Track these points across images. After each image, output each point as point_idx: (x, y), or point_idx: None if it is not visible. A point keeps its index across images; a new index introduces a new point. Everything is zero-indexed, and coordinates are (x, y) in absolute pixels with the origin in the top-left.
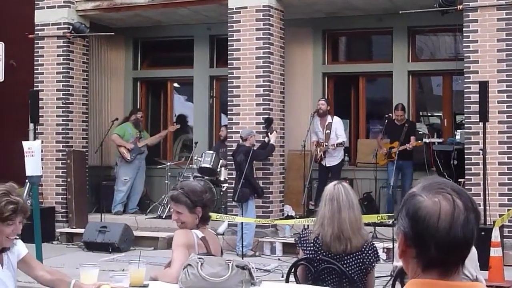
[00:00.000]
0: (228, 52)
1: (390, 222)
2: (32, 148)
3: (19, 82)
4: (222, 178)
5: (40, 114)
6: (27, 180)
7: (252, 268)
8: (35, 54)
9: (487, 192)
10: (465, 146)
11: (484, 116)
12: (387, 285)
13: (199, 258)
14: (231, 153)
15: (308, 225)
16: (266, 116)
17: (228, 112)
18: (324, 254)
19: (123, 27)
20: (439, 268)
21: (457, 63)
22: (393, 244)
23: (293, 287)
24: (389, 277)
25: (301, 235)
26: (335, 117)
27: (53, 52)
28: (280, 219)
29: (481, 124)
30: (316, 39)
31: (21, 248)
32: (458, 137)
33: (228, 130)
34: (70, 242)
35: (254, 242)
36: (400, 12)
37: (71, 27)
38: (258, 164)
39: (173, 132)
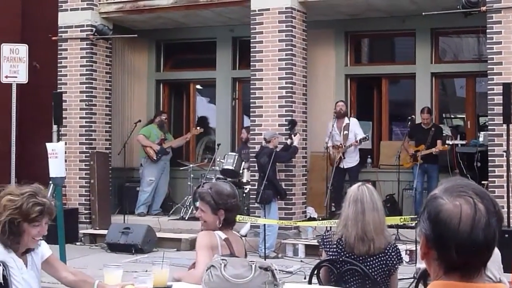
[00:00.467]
0: (251, 54)
1: (413, 224)
2: (55, 150)
3: (43, 84)
4: (244, 180)
5: (63, 115)
6: (50, 182)
7: (275, 269)
8: (58, 56)
9: (510, 194)
10: (489, 148)
11: (507, 118)
12: (410, 287)
13: (222, 259)
14: (254, 154)
15: (330, 227)
16: (289, 118)
17: (251, 113)
18: (347, 255)
19: (146, 29)
20: (461, 270)
21: (481, 64)
22: (416, 246)
23: None
24: (412, 279)
25: (324, 237)
26: (351, 118)
27: (76, 54)
28: (303, 221)
29: (504, 126)
30: (338, 41)
31: (44, 249)
32: (481, 139)
33: (251, 132)
34: (93, 243)
35: (276, 244)
36: (423, 13)
37: (94, 29)
38: (281, 166)
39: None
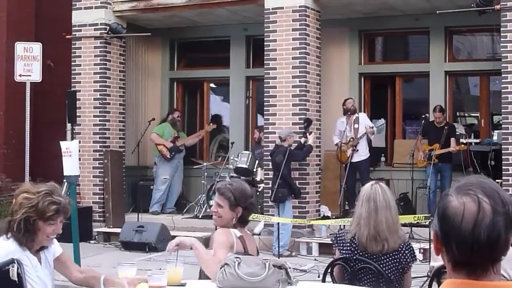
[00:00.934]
0: (265, 53)
1: (427, 223)
2: (69, 148)
3: (57, 83)
4: (258, 179)
5: (77, 114)
6: (64, 180)
7: (289, 267)
8: (72, 54)
9: None
10: (502, 146)
11: None
12: (424, 286)
13: (236, 257)
14: (268, 153)
15: (344, 225)
16: (305, 116)
17: (264, 112)
18: (361, 254)
19: (159, 28)
20: (466, 268)
21: (495, 63)
22: (429, 244)
23: (329, 287)
24: (426, 278)
25: (338, 235)
26: (359, 113)
27: (90, 53)
28: (317, 219)
29: None
30: (352, 39)
31: (56, 247)
32: (495, 137)
33: (265, 131)
34: (107, 242)
35: (290, 242)
36: (437, 12)
37: (108, 27)
38: (295, 165)
39: (209, 132)
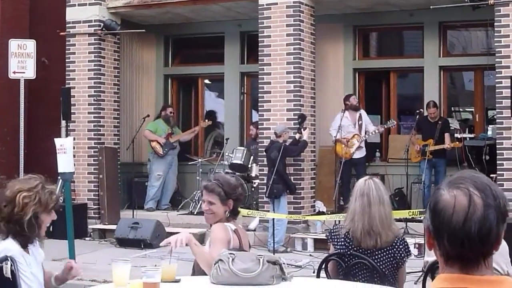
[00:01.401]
0: (259, 49)
1: (422, 218)
2: (64, 145)
3: (51, 79)
4: (253, 174)
5: (72, 111)
6: (59, 177)
7: (283, 263)
8: (66, 51)
9: None
10: (497, 141)
11: None
12: (419, 281)
13: (230, 253)
14: (263, 149)
15: (339, 221)
16: (299, 112)
17: (259, 108)
18: (355, 249)
19: (154, 24)
20: (458, 262)
21: (489, 58)
22: (424, 239)
23: (324, 282)
24: (421, 273)
25: (332, 230)
26: (361, 110)
27: (85, 50)
28: (312, 215)
29: None
30: (347, 35)
31: (41, 250)
32: (490, 132)
33: (259, 126)
34: (102, 239)
35: (285, 238)
36: (431, 7)
37: (102, 24)
38: (290, 160)
39: (204, 128)
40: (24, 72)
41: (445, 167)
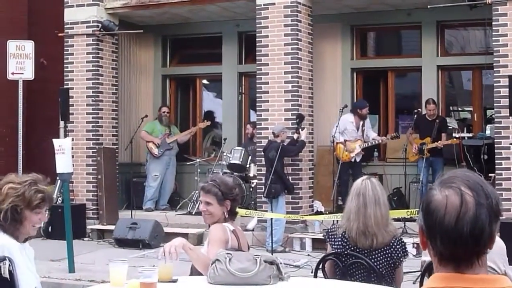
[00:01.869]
0: (257, 49)
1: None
2: (62, 146)
3: (50, 80)
4: (251, 174)
5: (70, 111)
6: (58, 178)
7: (280, 263)
8: (64, 52)
9: None
10: (495, 140)
11: None
12: (418, 280)
13: (227, 253)
14: (261, 149)
15: (337, 221)
16: (297, 112)
17: (257, 108)
18: (352, 249)
19: (152, 25)
20: (452, 262)
21: (487, 57)
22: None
23: (321, 282)
24: (419, 272)
25: (329, 230)
26: None
27: (83, 50)
28: (310, 214)
29: (511, 119)
30: (344, 35)
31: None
32: (488, 131)
33: (257, 126)
34: (101, 239)
35: (283, 238)
36: (428, 6)
37: (100, 25)
38: (288, 160)
39: (202, 128)
40: (22, 73)
41: (442, 166)
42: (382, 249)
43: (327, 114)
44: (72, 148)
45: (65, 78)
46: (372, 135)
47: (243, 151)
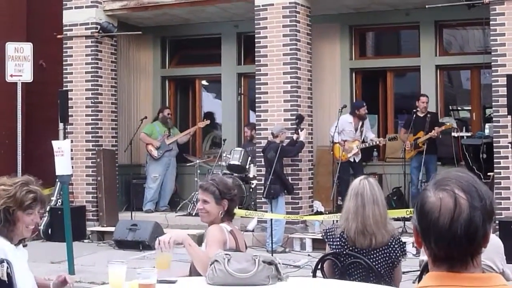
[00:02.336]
0: (255, 49)
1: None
2: (61, 148)
3: (49, 82)
4: (251, 175)
5: (69, 113)
6: (57, 180)
7: (279, 263)
8: (63, 54)
9: None
10: (494, 139)
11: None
12: (417, 280)
13: (226, 254)
14: (260, 149)
15: (337, 221)
16: (296, 113)
17: (256, 109)
18: (350, 249)
19: (151, 26)
20: (446, 262)
21: (485, 56)
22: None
23: (320, 282)
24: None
25: (328, 230)
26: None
27: (82, 52)
28: (310, 215)
29: (509, 117)
30: (343, 35)
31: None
32: (487, 130)
33: (257, 127)
34: (101, 241)
35: (284, 238)
36: (426, 6)
37: (99, 26)
38: (287, 161)
39: (202, 129)
40: (21, 75)
41: (436, 164)
42: (381, 249)
43: (326, 114)
44: (72, 150)
45: (64, 80)
46: (370, 136)
47: (242, 152)
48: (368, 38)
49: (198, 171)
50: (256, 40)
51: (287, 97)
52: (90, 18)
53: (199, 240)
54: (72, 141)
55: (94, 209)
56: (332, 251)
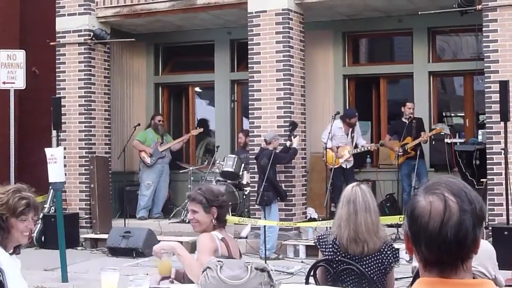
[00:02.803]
0: (248, 56)
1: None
2: (54, 155)
3: (42, 89)
4: (244, 182)
5: (62, 121)
6: (50, 187)
7: (271, 270)
8: (56, 61)
9: (509, 192)
10: (487, 145)
11: (505, 115)
12: (410, 286)
13: (219, 261)
14: (253, 156)
15: (330, 227)
16: (290, 119)
17: (249, 115)
18: (343, 255)
19: (144, 33)
20: (437, 267)
21: (478, 63)
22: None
23: None
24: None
25: (320, 237)
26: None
27: (75, 59)
28: (303, 221)
29: (502, 124)
30: (336, 41)
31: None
32: (480, 137)
33: (250, 134)
34: (94, 248)
35: (277, 245)
36: (419, 13)
37: (92, 34)
38: (280, 167)
39: (195, 136)
40: (14, 83)
41: (426, 169)
42: (373, 255)
43: (320, 121)
44: (65, 157)
45: (57, 87)
46: (361, 142)
47: (236, 159)
48: (361, 45)
49: (192, 178)
50: (249, 46)
51: (280, 103)
52: (83, 25)
53: (193, 247)
54: (65, 148)
55: (87, 216)
56: (325, 257)
